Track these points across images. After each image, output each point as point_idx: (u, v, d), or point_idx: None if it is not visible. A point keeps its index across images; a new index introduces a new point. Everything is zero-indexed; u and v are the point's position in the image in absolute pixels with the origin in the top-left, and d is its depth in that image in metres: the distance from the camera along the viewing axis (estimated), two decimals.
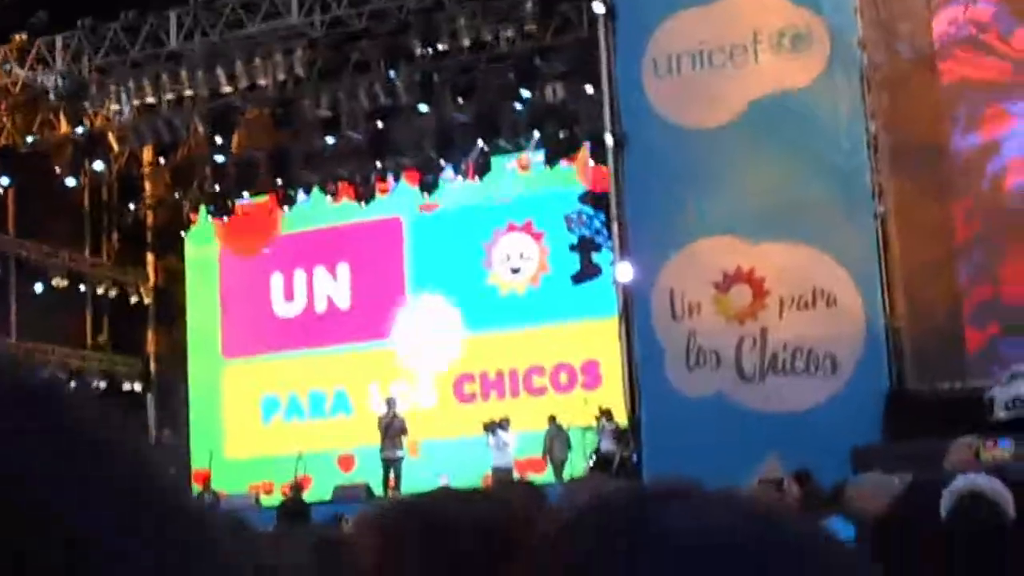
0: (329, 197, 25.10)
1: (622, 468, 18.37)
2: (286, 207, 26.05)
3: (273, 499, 20.85)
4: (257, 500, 20.99)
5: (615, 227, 17.88)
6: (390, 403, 21.23)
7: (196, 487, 22.56)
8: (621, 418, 18.35)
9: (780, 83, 17.13)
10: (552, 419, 20.48)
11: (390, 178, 24.30)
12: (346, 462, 24.12)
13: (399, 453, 20.81)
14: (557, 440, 20.34)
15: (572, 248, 20.25)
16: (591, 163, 21.40)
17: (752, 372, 16.76)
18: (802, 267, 16.73)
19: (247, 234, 26.41)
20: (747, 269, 17.00)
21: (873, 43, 17.21)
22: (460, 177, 23.87)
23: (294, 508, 8.41)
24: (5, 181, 24.16)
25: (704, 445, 14.97)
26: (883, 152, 16.98)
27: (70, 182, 24.31)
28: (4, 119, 23.24)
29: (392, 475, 20.59)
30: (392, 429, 20.76)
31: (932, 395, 15.80)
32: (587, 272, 20.22)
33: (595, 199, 19.58)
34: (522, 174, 23.90)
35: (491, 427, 21.06)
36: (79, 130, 23.04)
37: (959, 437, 8.71)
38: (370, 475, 21.07)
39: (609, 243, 18.94)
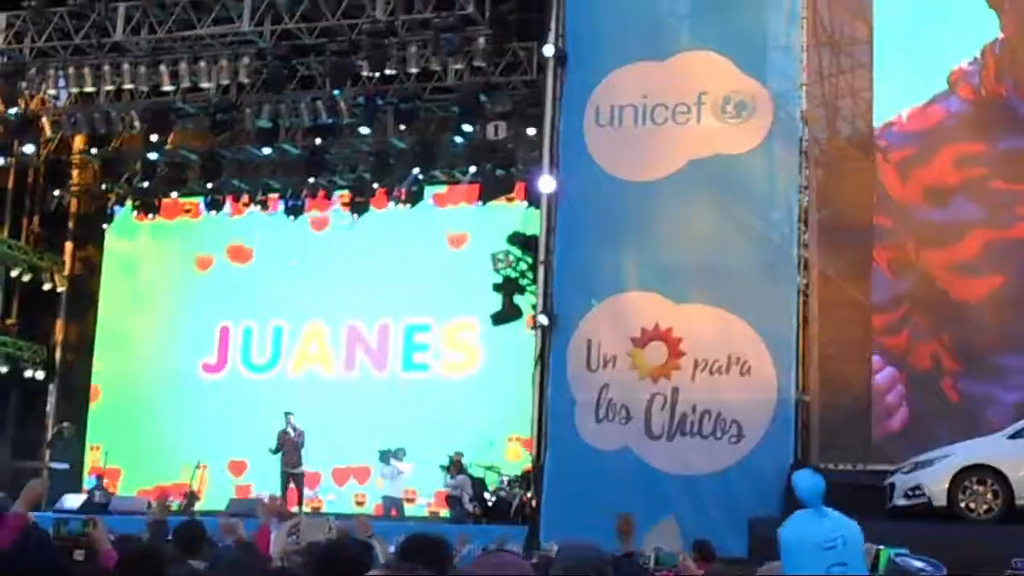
0: (258, 207, 24.90)
1: (520, 512, 18.28)
2: (213, 211, 25.76)
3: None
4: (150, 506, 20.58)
5: (541, 272, 17.81)
6: (287, 417, 20.82)
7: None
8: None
9: (719, 147, 17.17)
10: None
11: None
12: (237, 467, 23.89)
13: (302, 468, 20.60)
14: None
15: (496, 288, 20.12)
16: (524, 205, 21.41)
17: (660, 431, 16.67)
18: (720, 331, 16.70)
19: None
20: (665, 327, 16.94)
21: (815, 119, 17.34)
22: (391, 202, 23.77)
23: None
24: None
25: (605, 498, 14.92)
26: (812, 227, 17.07)
27: None
28: None
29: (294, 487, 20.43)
30: (294, 444, 20.51)
31: (834, 475, 15.83)
32: (508, 313, 20.10)
33: (524, 241, 19.50)
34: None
35: (386, 456, 20.84)
36: (12, 110, 22.67)
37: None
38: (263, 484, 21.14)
39: (533, 286, 18.86)
